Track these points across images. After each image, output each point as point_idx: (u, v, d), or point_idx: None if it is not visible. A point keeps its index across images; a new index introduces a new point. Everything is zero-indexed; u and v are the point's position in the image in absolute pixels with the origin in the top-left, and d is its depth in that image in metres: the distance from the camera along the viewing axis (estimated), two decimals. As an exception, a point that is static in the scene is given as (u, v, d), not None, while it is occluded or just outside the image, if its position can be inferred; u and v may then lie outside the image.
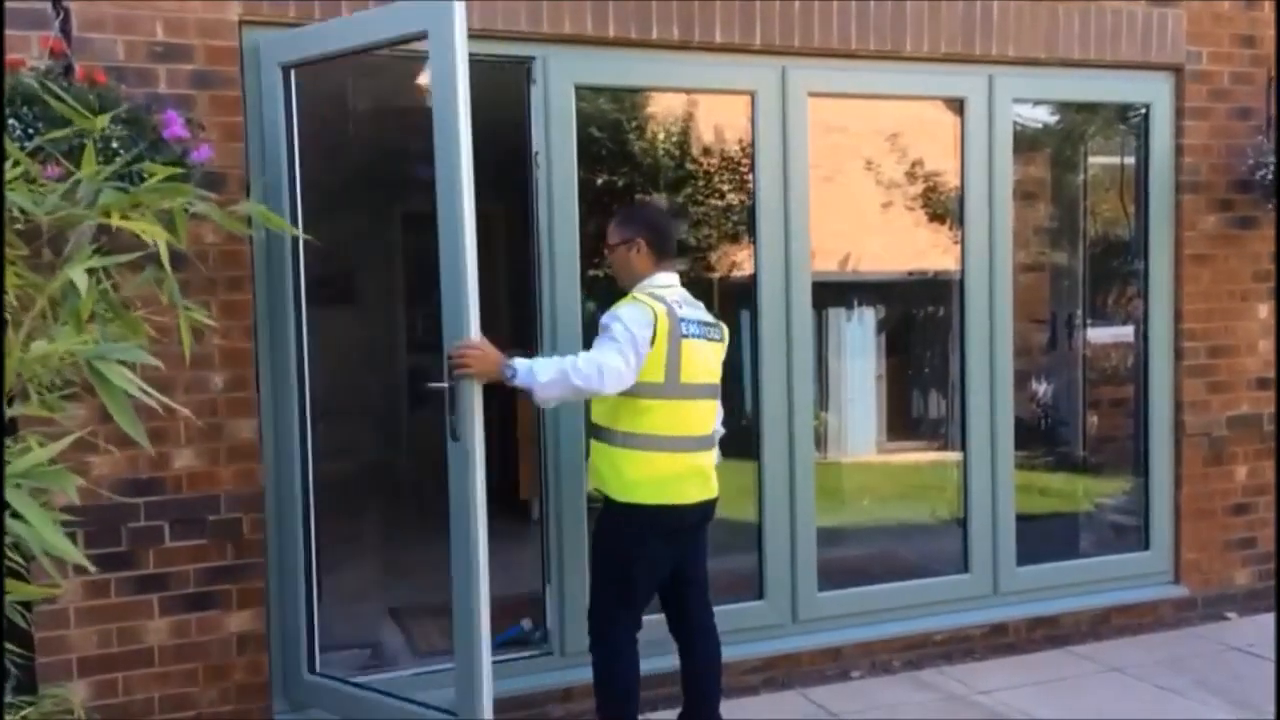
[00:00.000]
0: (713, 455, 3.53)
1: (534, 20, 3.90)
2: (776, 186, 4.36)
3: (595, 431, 3.46)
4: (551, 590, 4.14)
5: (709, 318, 3.49)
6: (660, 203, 3.87)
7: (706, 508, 3.50)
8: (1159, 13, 4.86)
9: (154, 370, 1.96)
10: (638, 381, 3.26)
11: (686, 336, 3.32)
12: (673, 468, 3.34)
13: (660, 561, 3.43)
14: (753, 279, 4.42)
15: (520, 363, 3.25)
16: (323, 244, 3.52)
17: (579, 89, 4.08)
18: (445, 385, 3.28)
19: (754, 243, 4.39)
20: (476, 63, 3.94)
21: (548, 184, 4.01)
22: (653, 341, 3.26)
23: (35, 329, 1.79)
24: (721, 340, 3.51)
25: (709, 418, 3.47)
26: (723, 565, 5.19)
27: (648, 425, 3.31)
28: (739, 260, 5.08)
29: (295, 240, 3.59)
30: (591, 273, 4.28)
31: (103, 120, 2.18)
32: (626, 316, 3.26)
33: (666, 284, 3.44)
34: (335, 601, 4.72)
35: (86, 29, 3.39)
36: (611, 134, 4.85)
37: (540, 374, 3.21)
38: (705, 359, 3.41)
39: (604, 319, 3.33)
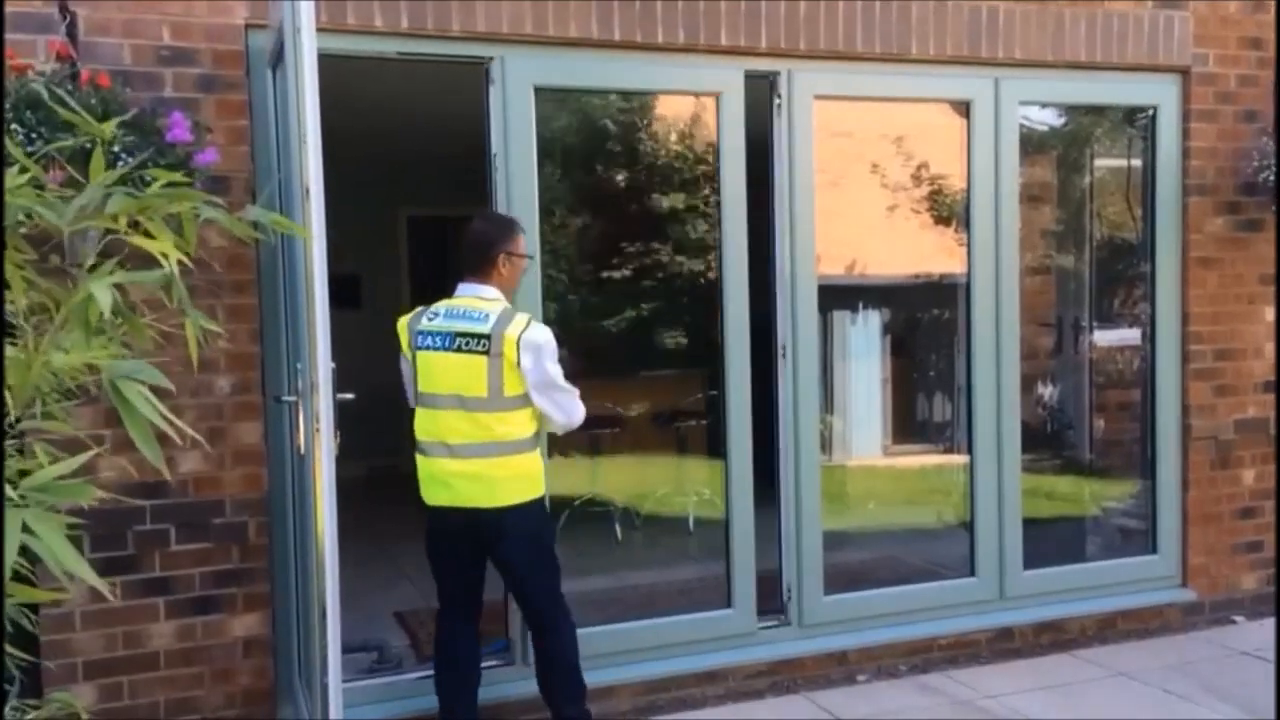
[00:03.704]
0: (468, 465, 3.39)
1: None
2: (782, 190, 4.36)
3: None
4: (512, 601, 3.91)
5: (482, 329, 3.35)
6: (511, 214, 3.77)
7: (467, 516, 3.42)
8: (1165, 15, 4.84)
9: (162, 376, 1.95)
10: None
11: (420, 349, 3.45)
12: (426, 470, 3.49)
13: (458, 560, 3.55)
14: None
15: None
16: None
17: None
18: (292, 399, 3.37)
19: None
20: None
21: (506, 187, 3.94)
22: (404, 353, 3.53)
23: (41, 335, 1.78)
24: (485, 353, 3.35)
25: (458, 428, 3.39)
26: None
27: (414, 428, 3.51)
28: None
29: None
30: (550, 272, 4.25)
31: (110, 127, 2.18)
32: None
33: (456, 295, 3.51)
34: (340, 604, 4.70)
35: (93, 33, 3.40)
36: (587, 135, 4.81)
37: None
38: (453, 370, 3.38)
39: None
